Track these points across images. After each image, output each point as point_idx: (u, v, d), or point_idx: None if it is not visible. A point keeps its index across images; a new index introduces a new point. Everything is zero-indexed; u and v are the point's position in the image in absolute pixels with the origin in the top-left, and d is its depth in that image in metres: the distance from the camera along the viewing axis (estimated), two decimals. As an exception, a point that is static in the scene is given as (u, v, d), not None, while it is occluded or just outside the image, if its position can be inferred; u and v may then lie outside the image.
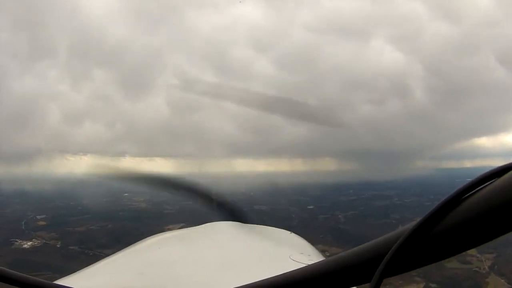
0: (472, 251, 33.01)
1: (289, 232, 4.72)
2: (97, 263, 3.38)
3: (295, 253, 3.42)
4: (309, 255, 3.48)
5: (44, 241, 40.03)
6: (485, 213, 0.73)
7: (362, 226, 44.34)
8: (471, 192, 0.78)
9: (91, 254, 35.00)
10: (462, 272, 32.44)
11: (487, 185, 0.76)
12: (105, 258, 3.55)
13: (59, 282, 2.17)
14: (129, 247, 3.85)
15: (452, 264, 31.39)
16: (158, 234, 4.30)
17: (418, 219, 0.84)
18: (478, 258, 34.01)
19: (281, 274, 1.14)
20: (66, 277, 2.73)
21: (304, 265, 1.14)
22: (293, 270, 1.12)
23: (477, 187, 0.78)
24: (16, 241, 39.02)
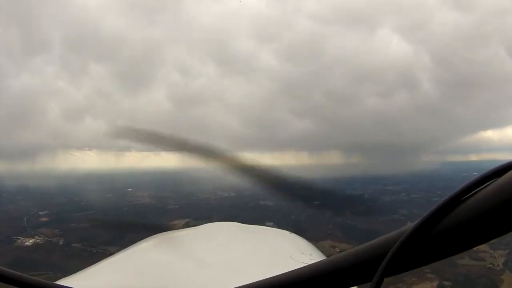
0: (484, 247, 32.27)
1: (289, 232, 4.80)
2: (98, 263, 3.43)
3: (295, 253, 3.51)
4: (310, 255, 3.57)
5: (47, 238, 39.48)
6: (485, 213, 0.73)
7: (370, 222, 43.57)
8: (472, 192, 0.79)
9: (94, 251, 34.43)
10: (475, 269, 31.60)
11: (488, 185, 0.77)
12: (106, 259, 3.64)
13: (60, 282, 2.15)
14: (129, 247, 3.92)
15: (464, 261, 30.66)
16: (158, 234, 4.31)
17: (418, 219, 0.85)
18: (491, 254, 33.09)
19: (281, 274, 1.13)
20: (67, 277, 2.77)
21: (304, 265, 1.11)
22: (293, 270, 1.11)
23: (478, 187, 0.78)
24: (18, 238, 38.52)
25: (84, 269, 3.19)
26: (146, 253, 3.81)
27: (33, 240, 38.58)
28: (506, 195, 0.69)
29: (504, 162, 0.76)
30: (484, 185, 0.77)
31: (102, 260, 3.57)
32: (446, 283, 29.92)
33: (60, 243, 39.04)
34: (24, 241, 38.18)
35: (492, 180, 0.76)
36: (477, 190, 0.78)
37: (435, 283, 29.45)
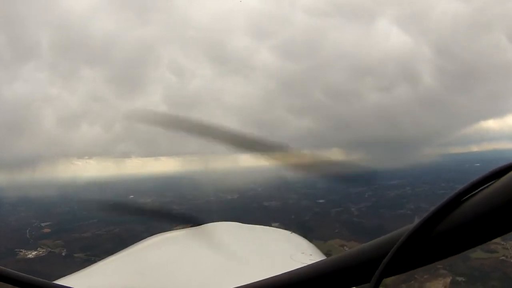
0: (496, 239, 31.54)
1: (290, 232, 4.81)
2: (97, 263, 3.45)
3: (296, 253, 3.51)
4: (310, 255, 3.54)
5: (49, 249, 39.12)
6: (485, 214, 0.74)
7: (376, 218, 43.13)
8: (472, 193, 0.80)
9: (97, 261, 33.91)
10: (488, 262, 30.94)
11: (487, 186, 0.78)
12: (106, 258, 3.60)
13: (60, 282, 2.15)
14: (129, 247, 3.87)
15: (477, 254, 30.06)
16: (158, 235, 4.29)
17: (418, 220, 0.86)
18: (503, 246, 32.43)
19: (281, 274, 1.13)
20: (66, 276, 2.76)
21: (304, 265, 1.11)
22: (293, 270, 1.12)
23: (478, 188, 0.79)
24: (21, 251, 38.14)
25: (84, 269, 3.17)
26: (146, 253, 3.81)
27: (36, 252, 38.22)
28: (506, 196, 0.69)
29: (504, 164, 0.76)
30: (484, 186, 0.77)
31: (102, 260, 3.57)
32: (460, 278, 29.32)
33: (63, 254, 38.71)
34: (26, 253, 37.81)
35: (492, 181, 0.76)
36: (477, 191, 0.78)
37: (448, 279, 28.88)
